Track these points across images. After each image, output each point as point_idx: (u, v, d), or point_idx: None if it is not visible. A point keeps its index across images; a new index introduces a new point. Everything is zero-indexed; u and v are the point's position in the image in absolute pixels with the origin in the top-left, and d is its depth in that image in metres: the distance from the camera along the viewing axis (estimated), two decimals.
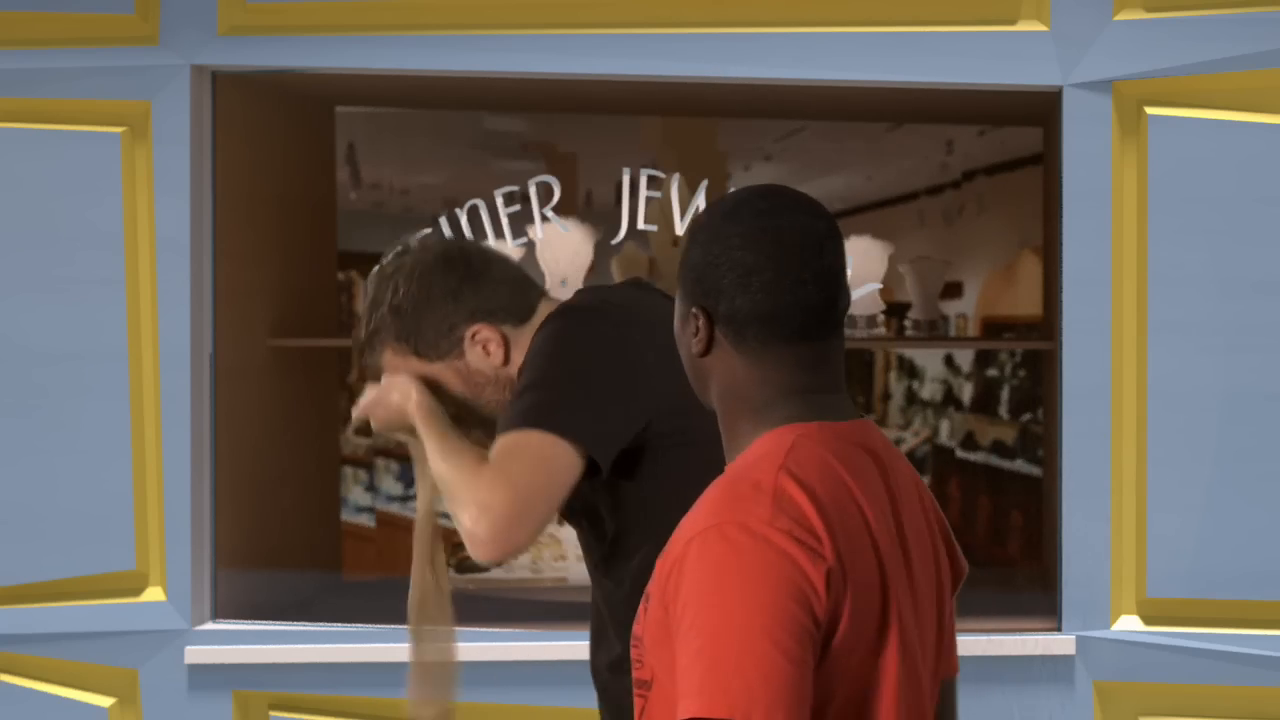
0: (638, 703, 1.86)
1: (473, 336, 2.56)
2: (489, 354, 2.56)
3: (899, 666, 1.79)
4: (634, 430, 2.40)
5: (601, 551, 2.56)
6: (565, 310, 2.53)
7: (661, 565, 1.79)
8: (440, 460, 2.43)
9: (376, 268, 2.63)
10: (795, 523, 1.73)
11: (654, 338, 2.38)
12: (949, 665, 2.00)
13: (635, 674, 1.86)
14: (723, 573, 1.71)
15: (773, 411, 1.86)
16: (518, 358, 2.56)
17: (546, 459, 2.34)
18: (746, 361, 1.86)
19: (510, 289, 2.60)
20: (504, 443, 2.37)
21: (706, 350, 1.87)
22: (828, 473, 1.80)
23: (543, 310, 2.59)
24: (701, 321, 1.86)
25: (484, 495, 2.32)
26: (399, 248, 2.64)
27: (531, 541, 2.36)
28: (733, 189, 2.00)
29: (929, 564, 1.91)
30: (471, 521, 2.33)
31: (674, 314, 1.94)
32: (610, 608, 2.55)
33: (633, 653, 1.86)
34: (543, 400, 2.38)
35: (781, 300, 1.83)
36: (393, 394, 2.54)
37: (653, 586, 1.81)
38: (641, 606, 1.84)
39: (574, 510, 2.55)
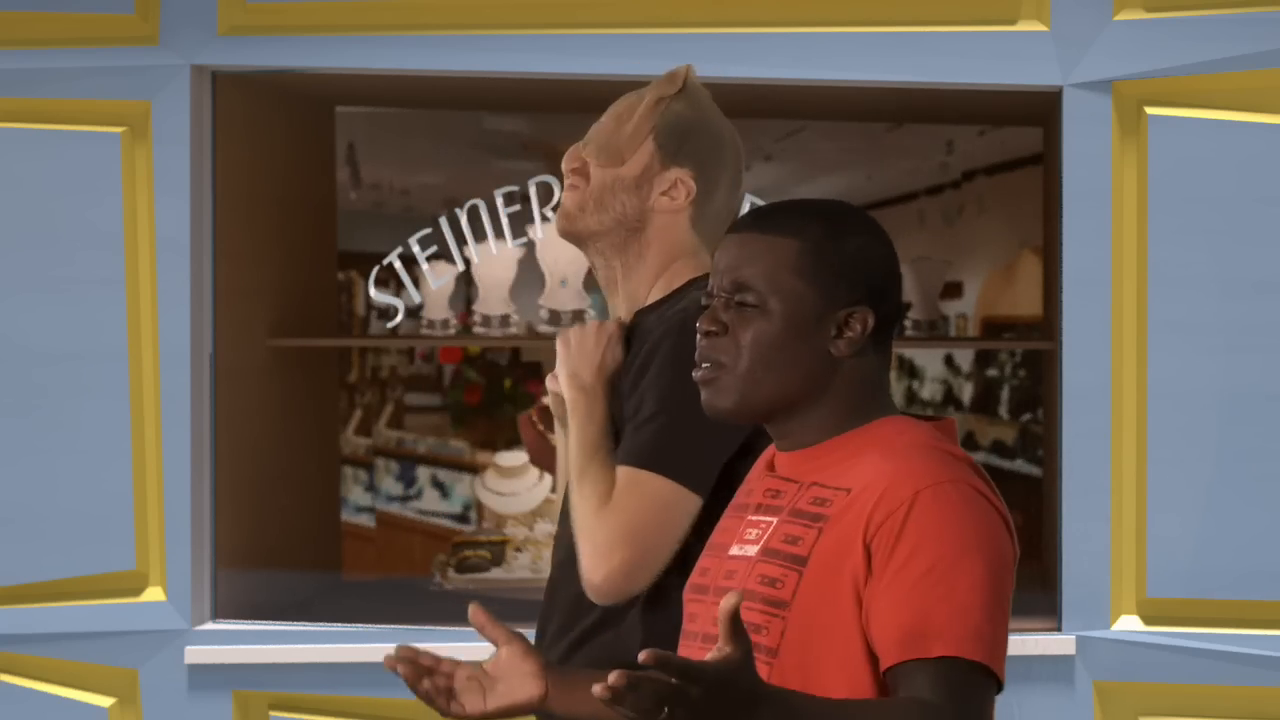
0: (762, 670, 1.79)
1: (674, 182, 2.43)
2: (673, 199, 2.43)
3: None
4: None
5: None
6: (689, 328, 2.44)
7: (857, 519, 1.79)
8: (574, 472, 2.34)
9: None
10: (1000, 499, 1.82)
11: None
12: None
13: (767, 640, 1.81)
14: (966, 526, 1.77)
15: (886, 404, 1.90)
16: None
17: (669, 507, 2.28)
18: (881, 354, 1.89)
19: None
20: (628, 480, 2.29)
21: (856, 351, 1.87)
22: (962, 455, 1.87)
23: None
24: (870, 321, 1.86)
25: (603, 543, 2.27)
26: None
27: (647, 587, 2.31)
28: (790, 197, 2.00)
29: None
30: (589, 567, 2.29)
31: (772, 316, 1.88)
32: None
33: (760, 618, 1.82)
34: (670, 440, 2.30)
35: (900, 300, 1.92)
36: (589, 344, 2.36)
37: (817, 549, 1.80)
38: (782, 570, 1.82)
39: None
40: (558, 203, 4.35)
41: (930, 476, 1.78)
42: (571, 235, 2.46)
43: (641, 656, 1.59)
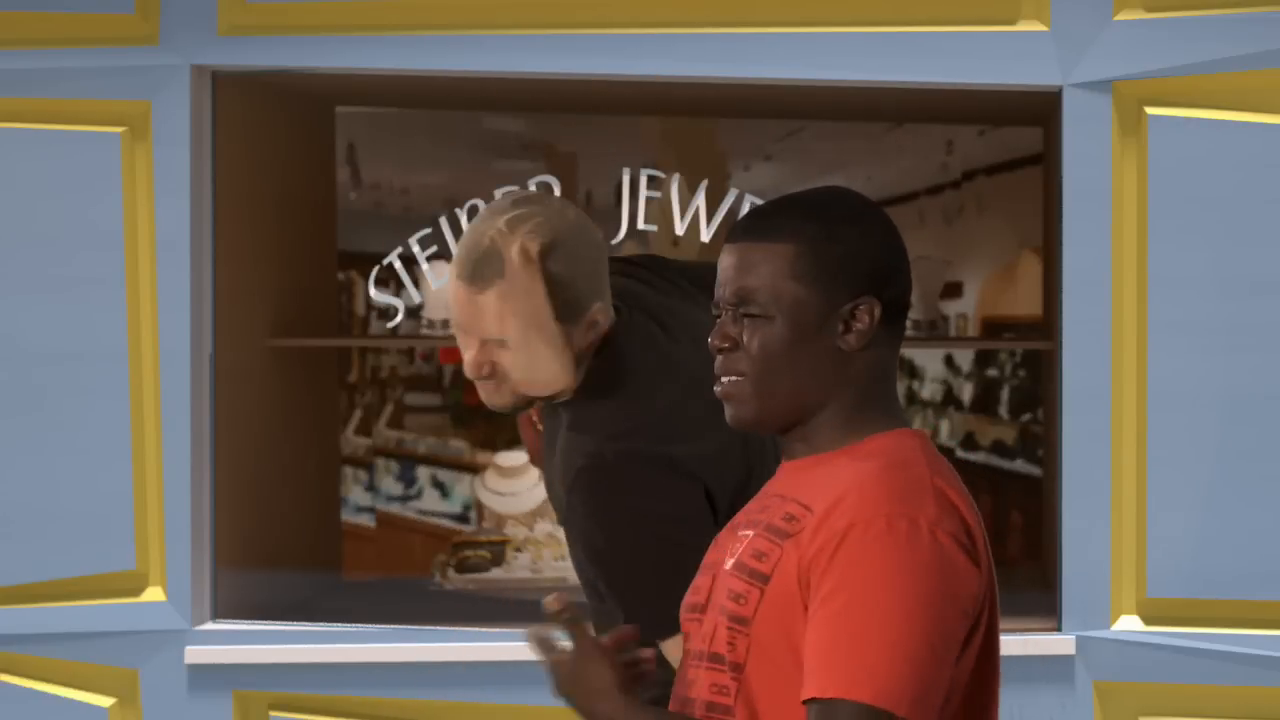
0: (729, 685, 1.82)
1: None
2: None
3: (998, 675, 1.85)
4: None
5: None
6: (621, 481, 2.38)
7: (807, 542, 1.77)
8: None
9: None
10: (959, 527, 1.75)
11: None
12: None
13: (729, 654, 1.82)
14: (889, 565, 1.72)
15: (892, 410, 1.87)
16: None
17: None
18: (888, 351, 1.87)
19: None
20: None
21: (867, 344, 1.85)
22: (957, 479, 1.82)
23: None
24: (876, 311, 1.84)
25: None
26: None
27: None
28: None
29: None
30: None
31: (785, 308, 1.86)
32: None
33: (725, 632, 1.83)
34: (636, 609, 2.29)
35: (909, 285, 1.89)
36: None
37: (776, 568, 1.79)
38: (746, 586, 1.81)
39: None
40: None
41: (871, 509, 1.75)
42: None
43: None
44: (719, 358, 1.88)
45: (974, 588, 1.75)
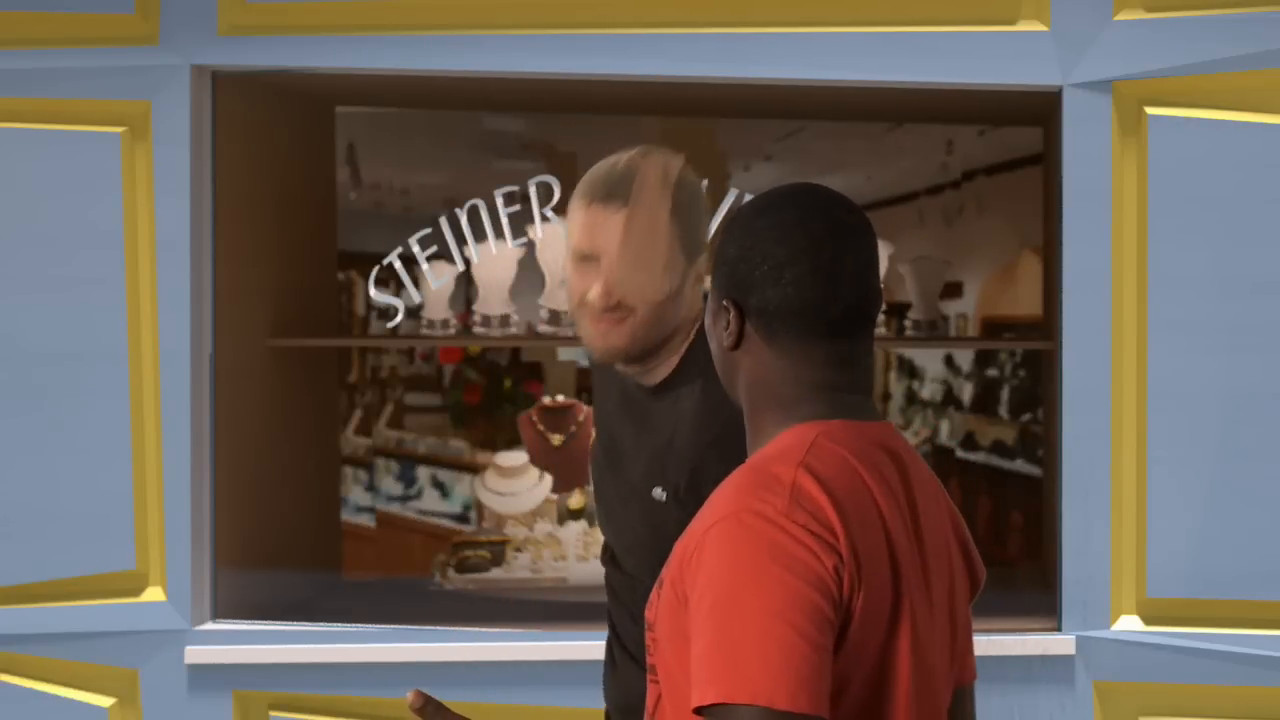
0: (651, 690, 1.85)
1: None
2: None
3: (911, 666, 1.79)
4: None
5: None
6: None
7: (678, 552, 1.79)
8: None
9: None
10: (811, 516, 1.73)
11: None
12: (966, 671, 1.99)
13: (649, 659, 1.85)
14: (738, 559, 1.71)
15: (799, 407, 1.86)
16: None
17: None
18: (775, 355, 1.86)
19: None
20: None
21: (737, 344, 1.87)
22: (845, 470, 1.80)
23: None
24: (733, 315, 1.87)
25: None
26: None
27: None
28: (734, 189, 2.01)
29: (945, 567, 1.90)
30: None
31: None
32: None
33: (646, 637, 1.86)
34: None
35: (812, 294, 1.84)
36: None
37: (668, 573, 1.81)
38: (655, 591, 1.84)
39: None
40: (558, 202, 4.37)
41: (725, 508, 1.75)
42: None
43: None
44: None
45: (828, 569, 1.71)
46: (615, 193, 2.46)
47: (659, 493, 2.46)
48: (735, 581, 1.70)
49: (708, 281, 2.23)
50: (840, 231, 1.86)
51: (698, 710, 1.68)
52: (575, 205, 2.50)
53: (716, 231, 1.95)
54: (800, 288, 1.84)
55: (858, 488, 1.79)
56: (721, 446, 2.27)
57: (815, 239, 1.84)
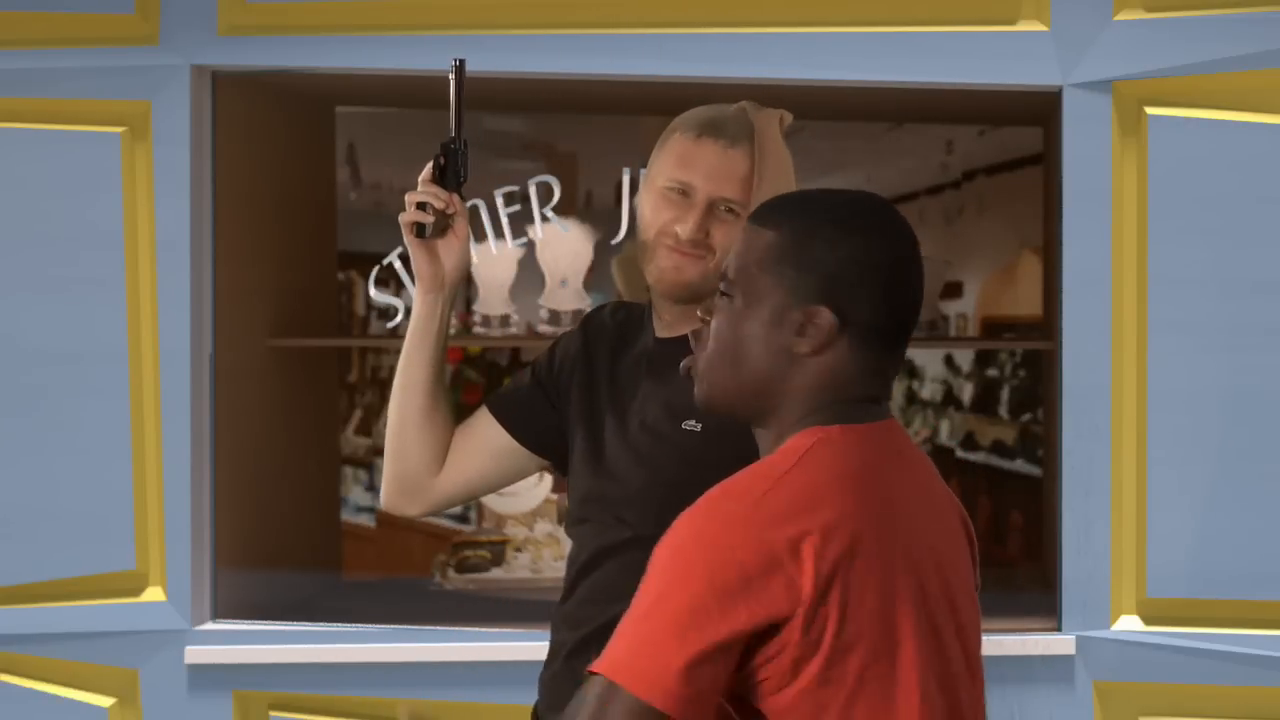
0: None
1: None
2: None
3: (918, 670, 1.78)
4: None
5: None
6: None
7: None
8: None
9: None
10: (772, 523, 1.72)
11: None
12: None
13: None
14: (687, 546, 1.72)
15: (821, 414, 1.84)
16: None
17: None
18: (856, 362, 1.84)
19: None
20: None
21: (819, 351, 1.84)
22: (840, 475, 1.78)
23: None
24: (828, 322, 1.83)
25: None
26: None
27: None
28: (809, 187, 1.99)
29: (960, 565, 1.89)
30: None
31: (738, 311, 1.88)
32: None
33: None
34: None
35: (895, 306, 1.85)
36: None
37: None
38: None
39: None
40: (558, 202, 4.37)
41: (703, 502, 1.76)
42: None
43: None
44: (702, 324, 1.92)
45: (777, 579, 1.71)
46: (732, 133, 2.48)
47: (691, 424, 2.45)
48: (659, 568, 1.72)
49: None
50: (916, 247, 1.89)
51: (591, 671, 1.71)
52: (678, 139, 2.51)
53: (785, 232, 1.91)
54: (889, 300, 1.84)
55: (855, 493, 1.78)
56: None
57: (903, 253, 1.86)
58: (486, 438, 2.67)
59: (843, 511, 1.75)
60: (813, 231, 1.85)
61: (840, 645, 1.73)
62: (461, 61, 2.61)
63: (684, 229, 2.46)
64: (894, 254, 1.86)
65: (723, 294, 1.88)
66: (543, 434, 2.66)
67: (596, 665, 1.71)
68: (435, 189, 2.60)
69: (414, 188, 2.71)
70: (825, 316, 1.83)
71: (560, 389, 2.65)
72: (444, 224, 2.62)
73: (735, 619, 1.69)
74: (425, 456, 2.66)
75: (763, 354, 1.85)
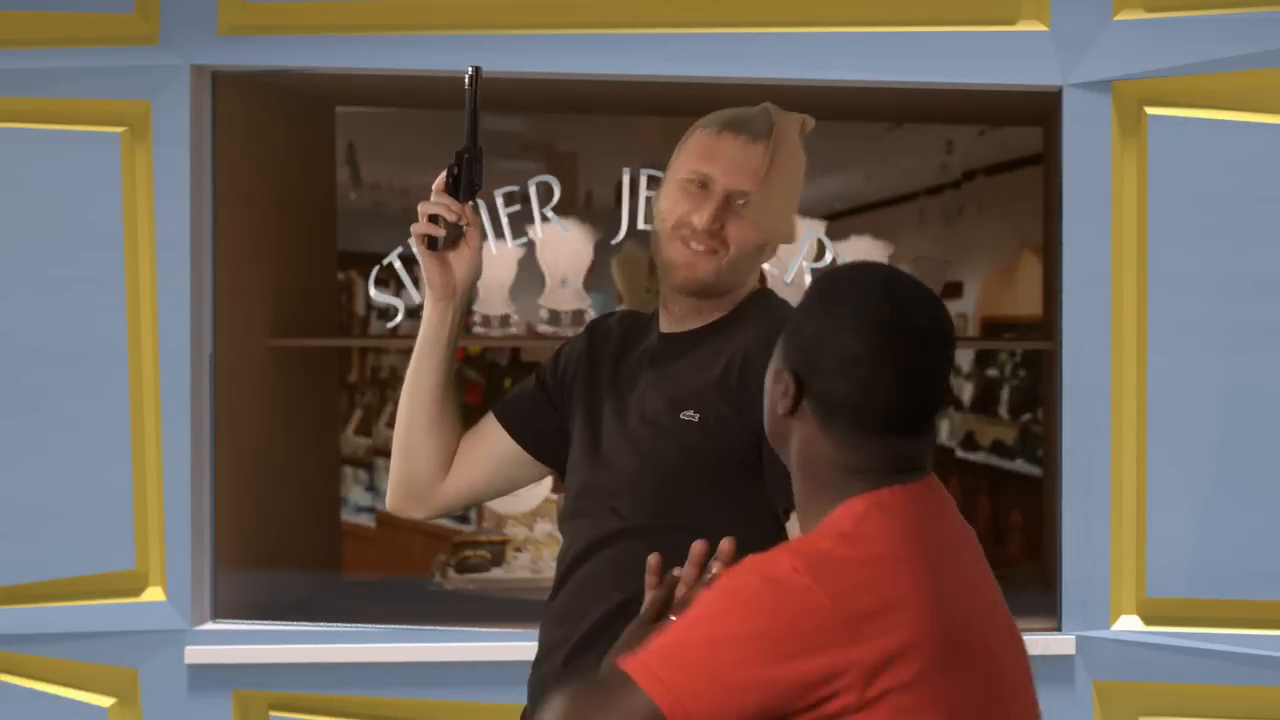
0: None
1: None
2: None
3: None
4: None
5: None
6: None
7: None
8: None
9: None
10: (820, 579, 1.75)
11: None
12: None
13: None
14: (734, 594, 1.74)
15: (849, 487, 1.85)
16: None
17: None
18: (827, 439, 1.85)
19: None
20: None
21: (792, 411, 1.87)
22: (892, 552, 1.80)
23: None
24: (792, 388, 1.86)
25: None
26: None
27: None
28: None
29: (1000, 606, 1.92)
30: None
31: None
32: None
33: None
34: None
35: (878, 396, 1.83)
36: None
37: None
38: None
39: None
40: (558, 202, 4.37)
41: (747, 563, 1.79)
42: None
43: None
44: None
45: (824, 631, 1.72)
46: (754, 130, 2.52)
47: (689, 414, 2.46)
48: (715, 603, 1.74)
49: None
50: (924, 340, 1.84)
51: (617, 667, 1.73)
52: (700, 134, 2.55)
53: (804, 299, 1.94)
54: (868, 389, 1.82)
55: (903, 554, 1.80)
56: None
57: (896, 344, 1.83)
58: (492, 443, 2.68)
59: (900, 589, 1.76)
60: (807, 303, 1.90)
61: (906, 701, 1.75)
62: (478, 69, 2.62)
63: (700, 219, 2.48)
64: (887, 343, 1.83)
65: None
66: (547, 439, 2.67)
67: (625, 663, 1.72)
68: (448, 200, 2.59)
69: (413, 188, 2.71)
70: (788, 380, 1.87)
71: (564, 391, 2.66)
72: (456, 235, 2.61)
73: (779, 670, 1.71)
74: (432, 461, 2.66)
75: (767, 406, 1.93)
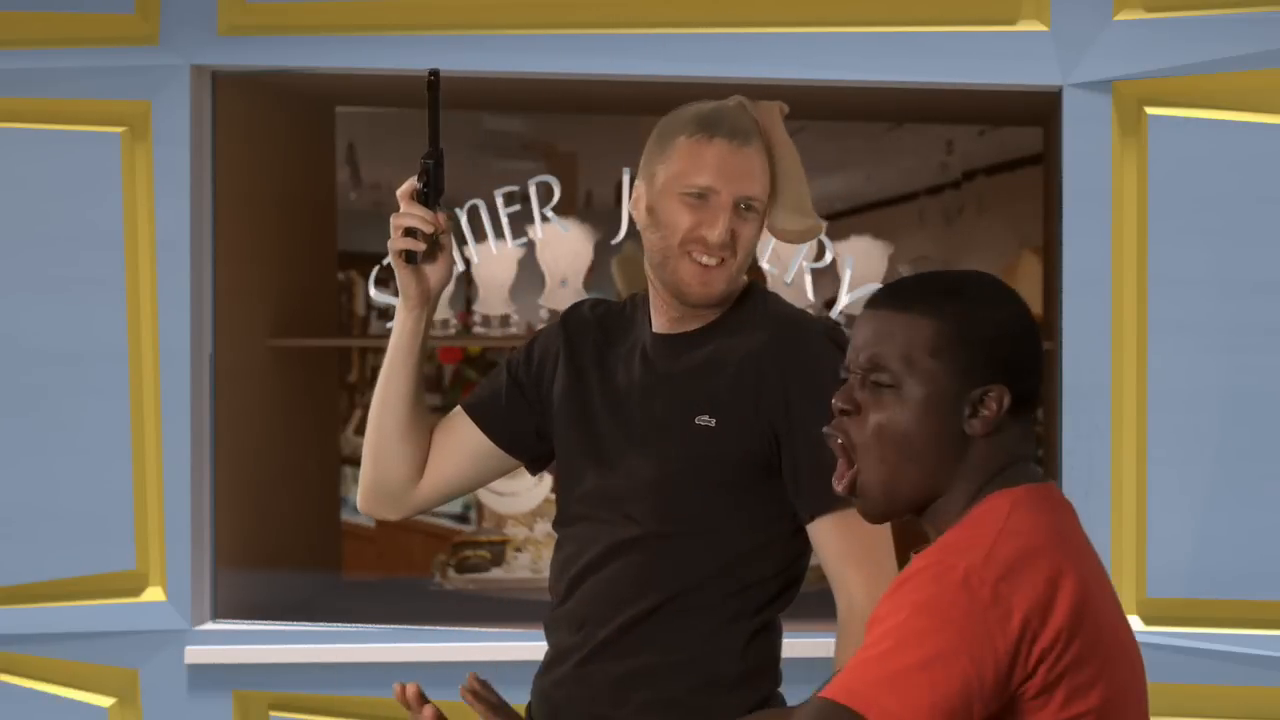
0: None
1: None
2: None
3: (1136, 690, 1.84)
4: None
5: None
6: None
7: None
8: None
9: None
10: (998, 576, 1.75)
11: None
12: None
13: None
14: (924, 598, 1.73)
15: (999, 481, 1.86)
16: None
17: None
18: (1007, 440, 1.87)
19: None
20: None
21: (991, 429, 1.86)
22: (1042, 533, 1.81)
23: None
24: (1002, 398, 1.85)
25: None
26: None
27: None
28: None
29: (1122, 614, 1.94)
30: None
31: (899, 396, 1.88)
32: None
33: None
34: None
35: (1040, 367, 1.90)
36: None
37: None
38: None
39: None
40: (558, 202, 4.37)
41: (925, 558, 1.79)
42: None
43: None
44: (837, 418, 1.89)
45: (1009, 633, 1.73)
46: (739, 130, 2.52)
47: (705, 419, 2.45)
48: (908, 610, 1.73)
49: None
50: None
51: (833, 701, 1.71)
52: (682, 142, 2.54)
53: (943, 315, 1.93)
54: (1039, 364, 1.90)
55: (1056, 549, 1.81)
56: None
57: (1031, 318, 1.92)
58: (463, 439, 2.65)
59: (1061, 563, 1.78)
60: (976, 313, 1.87)
61: (1080, 679, 1.77)
62: (436, 73, 2.61)
63: (713, 234, 2.45)
64: (1029, 320, 1.91)
65: (879, 384, 1.86)
66: (521, 434, 2.64)
67: (830, 693, 1.71)
68: (422, 212, 2.57)
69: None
70: (1001, 393, 1.85)
71: (541, 389, 2.62)
72: (433, 246, 2.60)
73: (981, 662, 1.71)
74: (405, 467, 2.64)
75: (933, 439, 1.86)
